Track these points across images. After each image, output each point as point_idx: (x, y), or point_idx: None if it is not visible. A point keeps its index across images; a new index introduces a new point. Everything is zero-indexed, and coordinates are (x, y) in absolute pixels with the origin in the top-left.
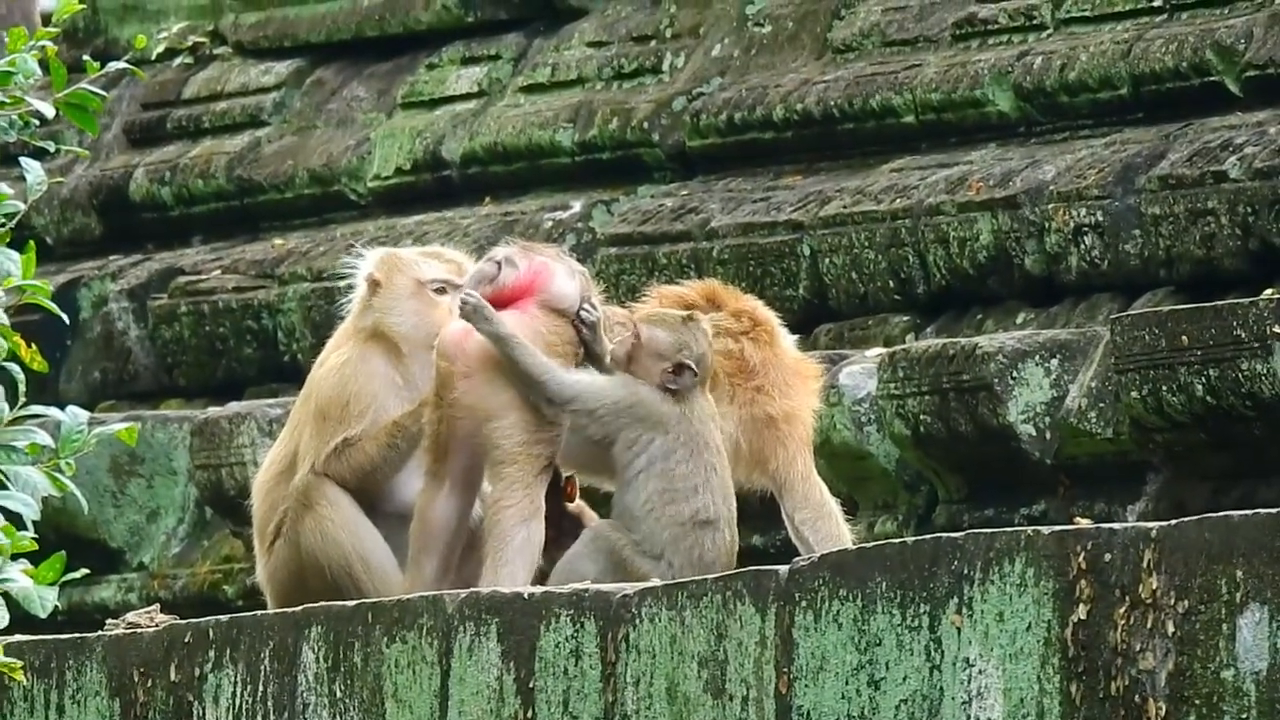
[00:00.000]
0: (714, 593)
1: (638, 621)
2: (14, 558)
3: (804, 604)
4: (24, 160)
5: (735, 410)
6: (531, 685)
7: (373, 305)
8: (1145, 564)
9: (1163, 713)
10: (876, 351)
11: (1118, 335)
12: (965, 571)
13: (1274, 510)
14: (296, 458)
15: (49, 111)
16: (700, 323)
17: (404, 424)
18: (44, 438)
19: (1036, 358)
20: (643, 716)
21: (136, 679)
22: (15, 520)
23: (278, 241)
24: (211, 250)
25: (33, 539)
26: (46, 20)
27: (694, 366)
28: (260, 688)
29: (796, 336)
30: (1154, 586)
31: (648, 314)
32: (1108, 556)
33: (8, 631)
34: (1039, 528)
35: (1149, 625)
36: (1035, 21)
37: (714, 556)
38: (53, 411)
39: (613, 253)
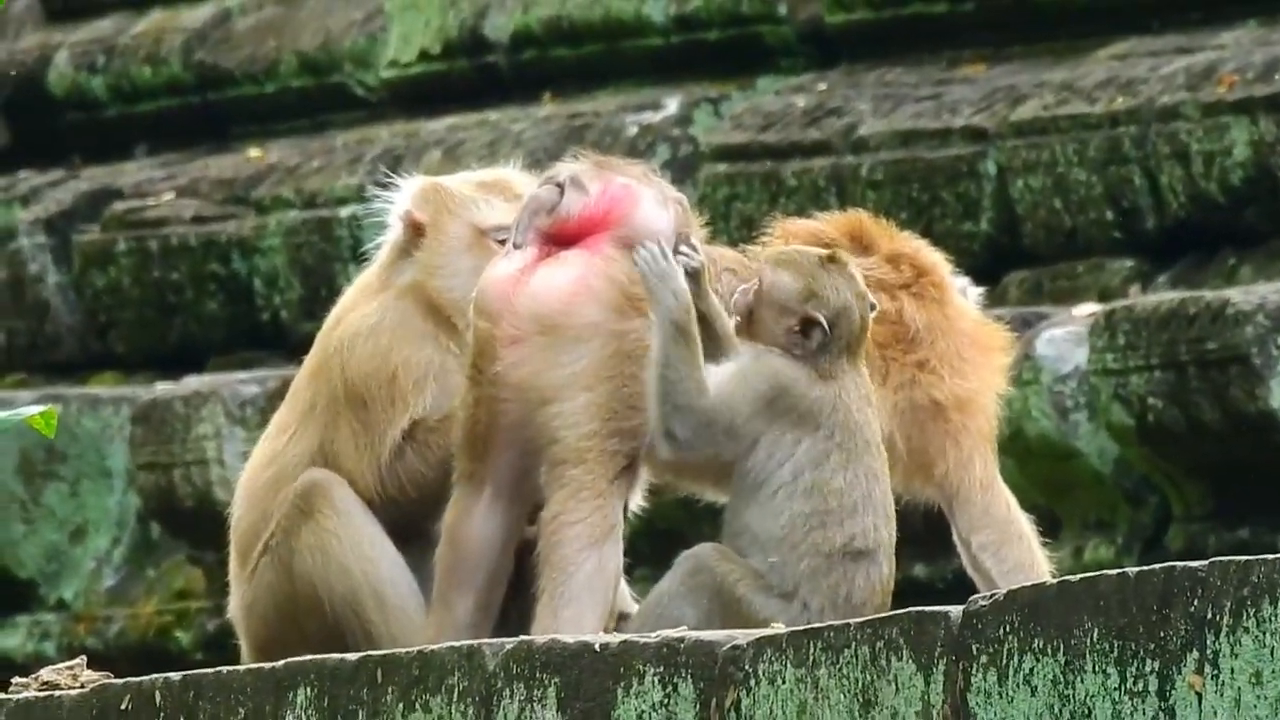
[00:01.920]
0: (860, 643)
1: (753, 683)
2: None
3: (984, 660)
4: None
5: (889, 394)
6: None
7: (413, 257)
8: None
9: None
10: (1088, 309)
11: None
12: (1210, 615)
13: None
14: (328, 456)
15: None
16: (845, 265)
17: None
18: None
19: None
20: None
21: None
22: None
23: (254, 153)
24: (161, 165)
25: None
26: None
27: (825, 323)
28: None
29: (979, 290)
30: None
31: (777, 251)
32: None
33: None
34: None
35: None
36: None
37: (865, 597)
38: None
39: (721, 171)
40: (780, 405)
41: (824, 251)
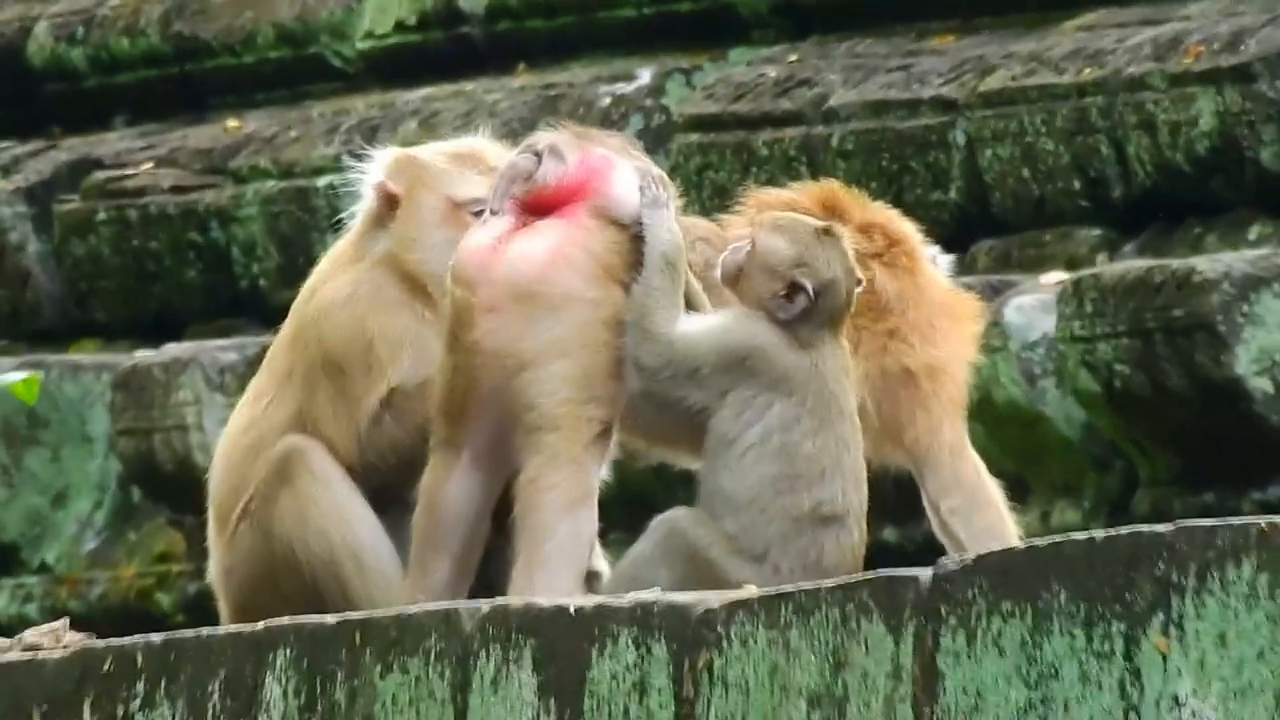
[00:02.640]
0: (830, 605)
1: (725, 645)
2: None
3: (953, 621)
4: None
5: (861, 361)
6: None
7: (387, 228)
8: None
9: None
10: (1056, 277)
11: None
12: (1174, 578)
13: None
14: (299, 423)
15: None
16: (840, 240)
17: None
18: None
19: (1276, 287)
20: None
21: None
22: None
23: (232, 124)
24: (140, 135)
25: None
26: None
27: (810, 291)
28: None
29: (949, 258)
30: None
31: (775, 216)
32: None
33: None
34: (1275, 519)
35: None
36: None
37: (835, 560)
38: None
39: (693, 141)
40: (752, 365)
41: (821, 224)
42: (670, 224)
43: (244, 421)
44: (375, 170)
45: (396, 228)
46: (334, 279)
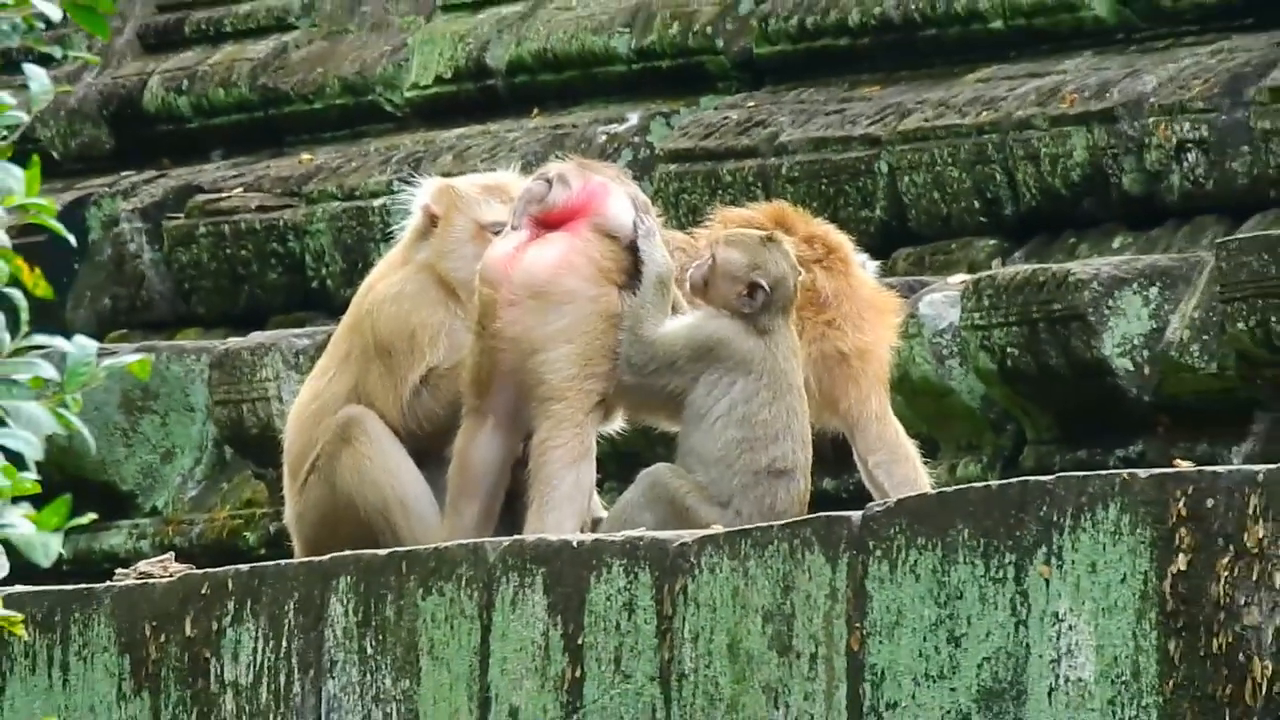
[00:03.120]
0: (780, 541)
1: (697, 572)
2: (15, 501)
3: (879, 553)
4: (28, 67)
5: (805, 346)
6: (580, 641)
7: (429, 241)
8: (1251, 510)
9: (1269, 672)
10: (960, 278)
11: (1223, 261)
12: (1055, 518)
13: None
14: (355, 395)
15: (55, 14)
16: (781, 244)
17: None
18: (48, 370)
19: (1135, 285)
20: (701, 675)
21: (148, 634)
22: (16, 460)
23: (305, 156)
24: (233, 166)
25: (36, 481)
26: None
27: (766, 287)
28: (284, 643)
29: (875, 263)
30: (1260, 535)
31: (726, 234)
32: (1210, 502)
33: (8, 582)
34: (1136, 471)
35: (1254, 577)
36: None
37: (786, 506)
38: (58, 342)
39: (672, 170)
40: (719, 353)
41: (765, 233)
42: (662, 250)
43: (311, 393)
44: (422, 194)
45: (434, 242)
46: (386, 279)
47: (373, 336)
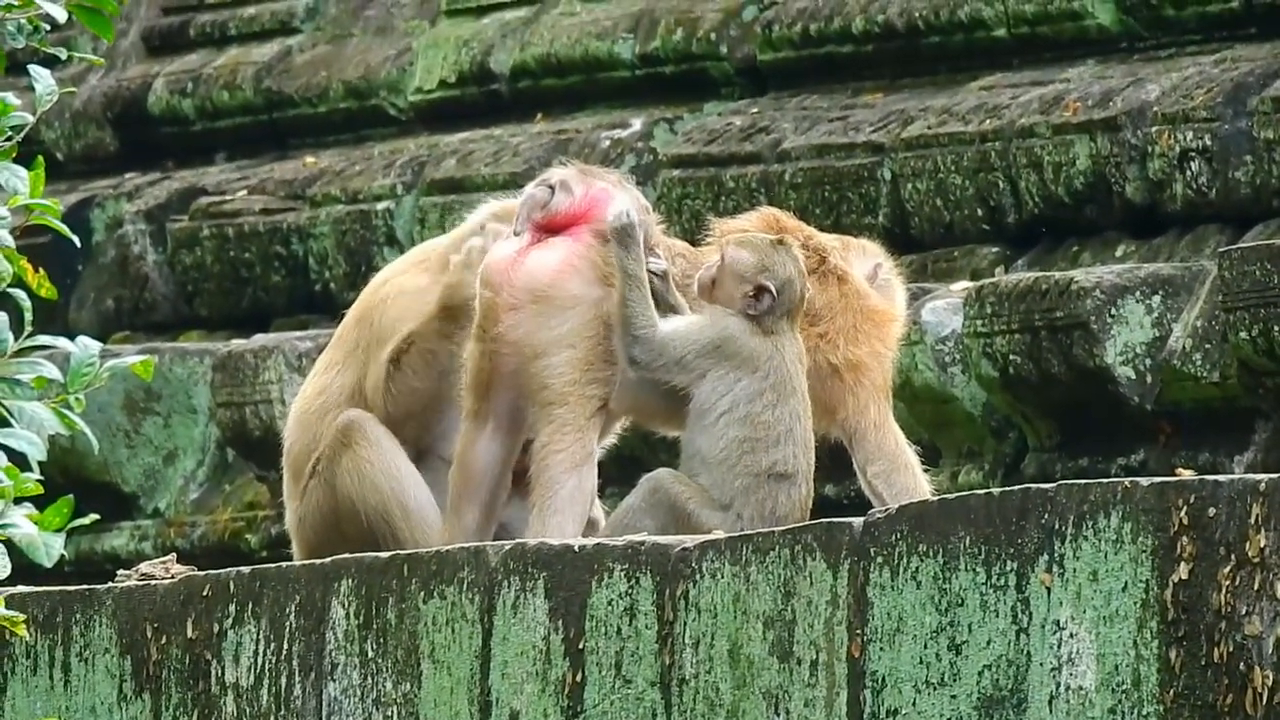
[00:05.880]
0: (782, 546)
1: (698, 577)
2: (17, 501)
3: (880, 560)
4: (33, 68)
5: None
6: (581, 646)
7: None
8: (1253, 519)
9: (1269, 682)
10: (962, 285)
11: (1226, 270)
12: (1056, 526)
13: None
14: (358, 391)
15: (60, 15)
16: (790, 248)
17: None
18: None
19: (1137, 294)
20: (702, 680)
21: (150, 635)
22: (19, 461)
23: (309, 160)
24: (237, 169)
25: (38, 481)
26: None
27: (773, 290)
28: (285, 645)
29: (890, 263)
30: (1262, 544)
31: (736, 237)
32: (1212, 511)
33: (10, 582)
34: (1137, 479)
35: (1256, 586)
36: None
37: (787, 511)
38: (62, 342)
39: (675, 175)
40: (725, 350)
41: (775, 236)
42: (635, 253)
43: (315, 389)
44: (486, 212)
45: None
46: (410, 273)
47: (380, 327)
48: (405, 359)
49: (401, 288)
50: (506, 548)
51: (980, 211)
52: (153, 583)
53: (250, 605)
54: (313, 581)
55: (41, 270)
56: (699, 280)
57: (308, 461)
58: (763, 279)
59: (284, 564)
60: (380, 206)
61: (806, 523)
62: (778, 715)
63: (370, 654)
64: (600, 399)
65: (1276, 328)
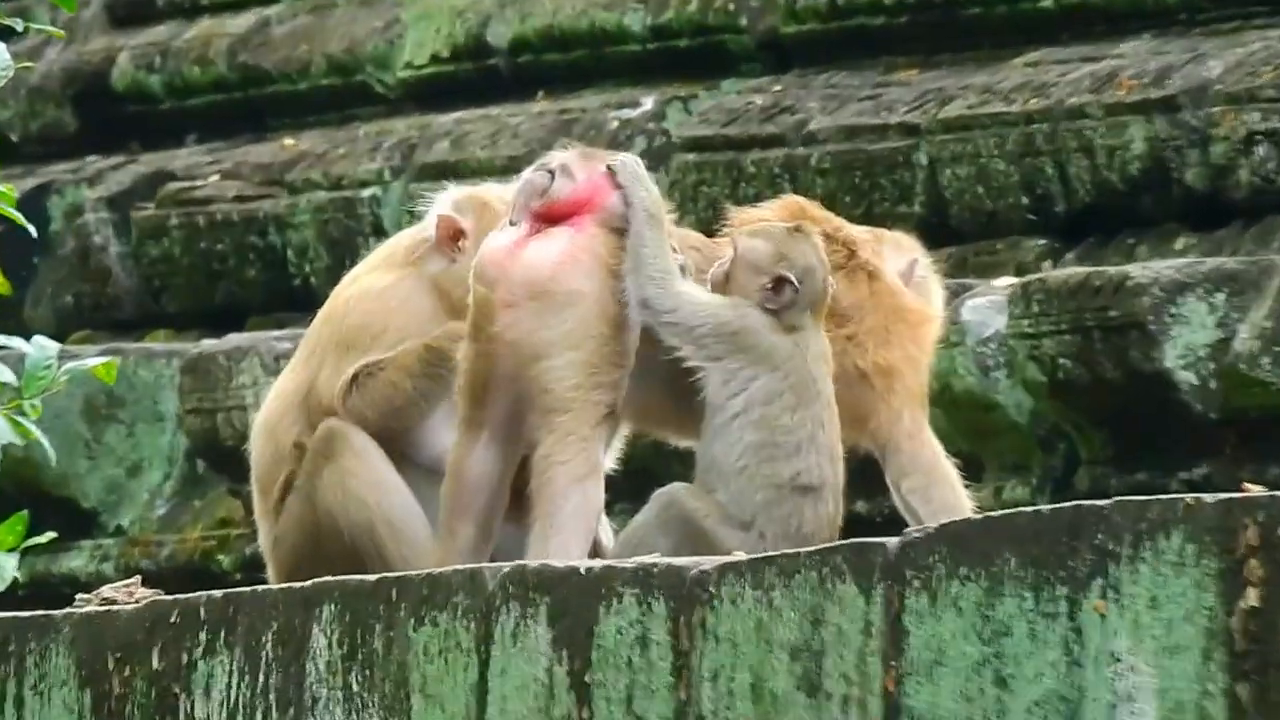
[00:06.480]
0: (809, 569)
1: (717, 603)
2: None
3: (917, 584)
4: None
5: None
6: (587, 679)
7: (447, 255)
8: None
9: None
10: (1007, 281)
11: None
12: (1111, 547)
13: None
14: (311, 392)
15: None
16: (809, 234)
17: (438, 347)
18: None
19: (1198, 291)
20: (721, 717)
21: (111, 666)
22: None
23: (288, 142)
24: (208, 151)
25: None
26: None
27: (794, 280)
28: (261, 678)
29: (927, 259)
30: None
31: (750, 227)
32: None
33: None
34: (1201, 495)
35: None
36: None
37: (814, 529)
38: (16, 342)
39: (690, 160)
40: (741, 341)
41: (791, 224)
42: (647, 185)
43: (276, 391)
44: (444, 202)
45: (462, 259)
46: (377, 272)
47: (339, 328)
48: (359, 381)
49: (366, 288)
50: (505, 570)
51: (1025, 200)
52: (115, 608)
53: (223, 633)
54: (291, 607)
55: None
56: (712, 278)
57: (278, 471)
58: (781, 268)
59: (260, 588)
60: (366, 193)
61: (836, 543)
62: None
63: (355, 687)
64: (607, 405)
65: None
